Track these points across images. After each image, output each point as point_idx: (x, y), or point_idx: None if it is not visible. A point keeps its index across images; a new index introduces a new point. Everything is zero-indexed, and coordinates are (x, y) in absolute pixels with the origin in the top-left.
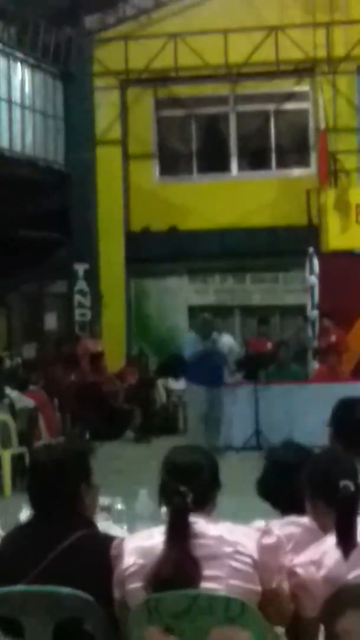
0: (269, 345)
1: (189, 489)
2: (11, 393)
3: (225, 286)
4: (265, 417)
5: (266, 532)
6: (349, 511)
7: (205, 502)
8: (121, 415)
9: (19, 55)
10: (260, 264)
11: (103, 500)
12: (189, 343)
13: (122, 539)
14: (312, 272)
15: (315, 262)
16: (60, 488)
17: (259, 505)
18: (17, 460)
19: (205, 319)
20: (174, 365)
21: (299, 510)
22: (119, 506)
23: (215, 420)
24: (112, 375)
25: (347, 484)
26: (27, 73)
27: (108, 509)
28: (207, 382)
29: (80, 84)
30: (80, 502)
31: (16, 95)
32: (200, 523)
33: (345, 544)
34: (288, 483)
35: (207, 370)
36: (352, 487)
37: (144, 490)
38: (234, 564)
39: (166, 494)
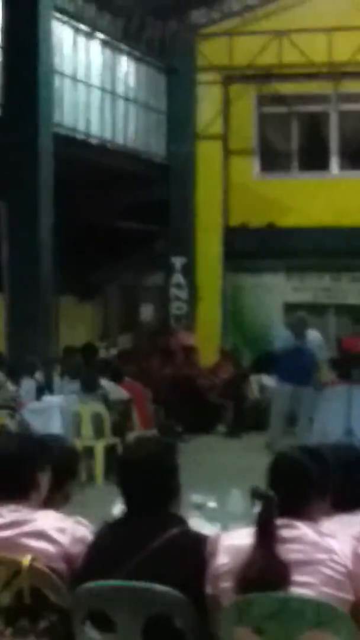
0: None
1: (289, 492)
2: (106, 384)
3: (321, 284)
4: (357, 417)
5: None
6: None
7: (306, 506)
8: (214, 409)
9: (124, 48)
10: (357, 263)
11: (196, 498)
12: (280, 339)
13: (219, 536)
14: None
15: None
16: (155, 484)
17: None
18: (109, 451)
19: (300, 317)
20: (267, 362)
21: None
22: (212, 504)
23: (305, 420)
24: (206, 369)
25: None
26: (132, 66)
27: (200, 507)
28: (295, 380)
29: (183, 78)
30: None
31: (120, 88)
32: (298, 527)
33: None
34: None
35: (296, 367)
36: None
37: (237, 490)
38: (328, 571)
39: (257, 496)
